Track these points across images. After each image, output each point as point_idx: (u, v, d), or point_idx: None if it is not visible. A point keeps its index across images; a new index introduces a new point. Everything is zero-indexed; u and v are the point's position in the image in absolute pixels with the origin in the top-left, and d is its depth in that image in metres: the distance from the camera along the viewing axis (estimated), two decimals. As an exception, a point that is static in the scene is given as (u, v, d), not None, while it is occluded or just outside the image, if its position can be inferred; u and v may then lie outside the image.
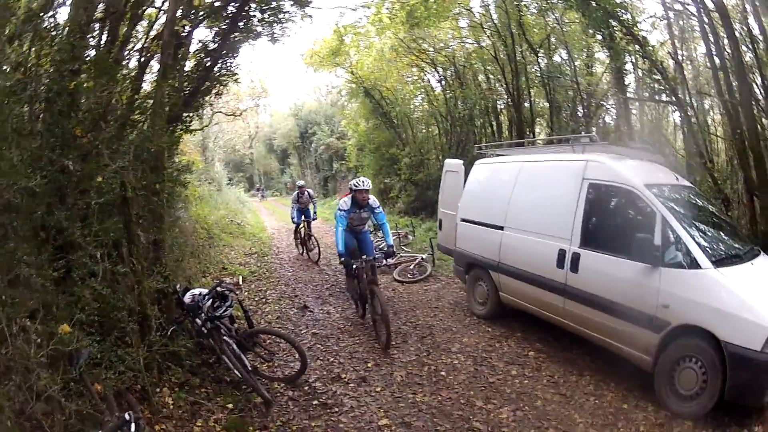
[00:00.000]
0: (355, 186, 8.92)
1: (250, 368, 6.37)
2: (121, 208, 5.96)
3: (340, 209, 8.98)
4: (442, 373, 7.13)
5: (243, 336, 6.77)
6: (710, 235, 6.72)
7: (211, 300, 6.52)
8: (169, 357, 6.31)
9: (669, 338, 5.89)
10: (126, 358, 5.41)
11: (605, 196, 7.30)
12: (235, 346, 6.38)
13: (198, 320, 6.42)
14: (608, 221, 7.39)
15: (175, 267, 8.12)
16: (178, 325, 6.57)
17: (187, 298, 6.50)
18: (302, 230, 16.84)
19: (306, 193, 16.83)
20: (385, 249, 9.41)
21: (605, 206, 7.37)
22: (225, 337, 6.41)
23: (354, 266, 8.71)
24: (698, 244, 6.03)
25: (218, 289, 6.80)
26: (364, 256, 8.97)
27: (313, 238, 16.31)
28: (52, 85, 5.82)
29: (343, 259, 8.66)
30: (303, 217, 16.63)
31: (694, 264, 5.86)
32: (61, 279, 5.27)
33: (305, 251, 16.66)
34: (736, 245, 6.78)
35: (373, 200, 9.27)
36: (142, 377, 5.49)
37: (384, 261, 10.10)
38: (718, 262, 5.94)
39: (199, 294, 6.54)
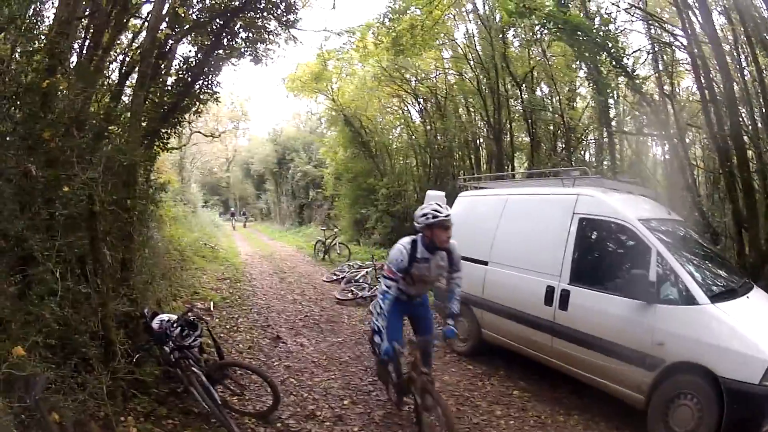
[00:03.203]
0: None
1: (219, 401, 5.97)
2: (88, 222, 5.59)
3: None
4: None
5: (213, 368, 6.39)
6: (705, 269, 6.68)
7: (179, 328, 6.16)
8: (135, 385, 5.91)
9: (664, 376, 5.75)
10: (88, 385, 5.02)
11: (597, 231, 7.26)
12: (204, 378, 5.98)
13: (166, 348, 6.04)
14: (600, 257, 7.33)
15: (143, 289, 7.71)
16: (145, 352, 6.22)
17: (155, 324, 6.12)
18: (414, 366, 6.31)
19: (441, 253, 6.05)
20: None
21: (597, 241, 7.33)
22: (193, 368, 6.03)
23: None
24: (695, 279, 5.93)
25: (188, 315, 6.43)
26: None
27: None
28: (23, 78, 5.49)
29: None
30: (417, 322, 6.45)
31: (691, 300, 5.74)
32: (20, 295, 4.87)
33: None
34: (731, 279, 6.72)
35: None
36: (106, 405, 5.08)
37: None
38: (715, 297, 5.82)
39: (168, 321, 6.17)
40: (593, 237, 7.31)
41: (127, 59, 8.89)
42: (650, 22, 13.21)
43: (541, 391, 7.48)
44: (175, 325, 6.14)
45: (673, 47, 12.96)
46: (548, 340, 7.15)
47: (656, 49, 13.72)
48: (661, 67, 14.12)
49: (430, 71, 22.98)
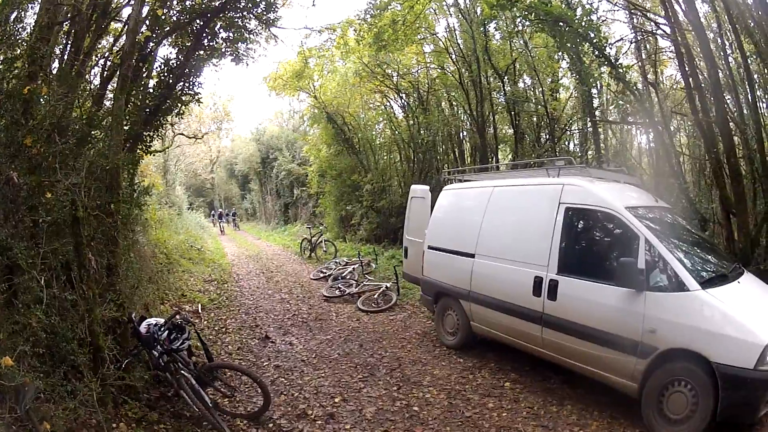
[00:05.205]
0: None
1: (210, 404, 5.97)
2: (72, 228, 5.53)
3: None
4: (415, 408, 6.77)
5: (202, 370, 6.36)
6: (694, 256, 6.69)
7: (167, 331, 6.12)
8: (126, 390, 5.91)
9: (656, 363, 5.75)
10: (78, 393, 4.97)
11: (584, 221, 7.25)
12: (193, 381, 5.99)
13: (154, 352, 6.00)
14: (588, 246, 7.36)
15: (130, 294, 7.66)
16: (134, 357, 6.16)
17: (142, 328, 6.09)
18: None
19: None
20: None
21: (584, 231, 7.33)
22: (183, 371, 6.02)
23: None
24: (684, 265, 5.92)
25: (176, 318, 6.39)
26: None
27: None
28: (4, 85, 5.43)
29: None
30: None
31: (681, 286, 5.73)
32: (6, 304, 4.82)
33: None
34: (721, 265, 6.72)
35: None
36: (97, 413, 5.04)
37: None
38: (705, 283, 5.83)
39: (156, 324, 6.14)
40: (580, 226, 7.29)
41: (108, 63, 8.85)
42: (633, 11, 13.28)
43: (533, 382, 7.49)
44: (162, 328, 6.11)
45: (657, 36, 13.05)
46: (538, 330, 7.15)
47: (639, 37, 13.81)
48: (644, 56, 14.22)
49: (411, 66, 22.99)
